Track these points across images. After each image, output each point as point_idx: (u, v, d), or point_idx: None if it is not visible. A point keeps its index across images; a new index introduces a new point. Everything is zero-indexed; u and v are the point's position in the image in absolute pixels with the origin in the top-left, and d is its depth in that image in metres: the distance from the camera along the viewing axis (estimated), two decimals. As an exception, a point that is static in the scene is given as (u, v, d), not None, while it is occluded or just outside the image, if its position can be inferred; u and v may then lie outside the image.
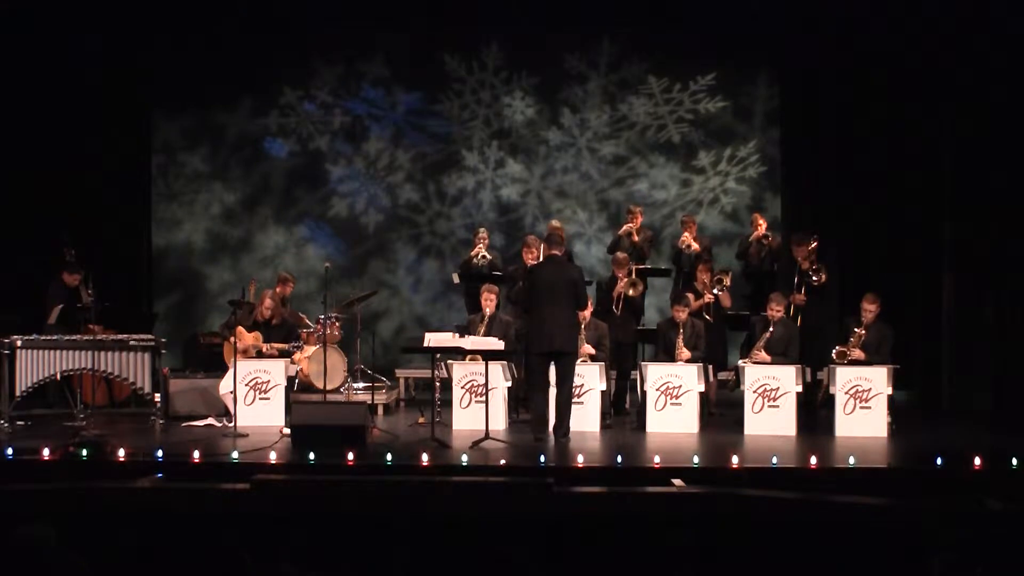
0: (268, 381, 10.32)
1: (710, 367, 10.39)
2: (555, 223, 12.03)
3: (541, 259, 10.38)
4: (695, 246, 11.84)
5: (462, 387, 10.12)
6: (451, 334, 9.77)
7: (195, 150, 14.12)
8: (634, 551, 6.54)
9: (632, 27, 13.59)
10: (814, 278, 10.83)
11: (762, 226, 11.94)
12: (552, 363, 9.51)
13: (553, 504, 6.95)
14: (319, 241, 14.13)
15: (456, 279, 12.29)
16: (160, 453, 8.46)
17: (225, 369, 10.44)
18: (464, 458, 8.47)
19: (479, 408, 9.70)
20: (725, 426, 10.32)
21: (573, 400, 9.73)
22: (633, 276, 11.09)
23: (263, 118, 14.09)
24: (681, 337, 10.31)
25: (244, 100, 14.08)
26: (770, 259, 11.81)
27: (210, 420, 10.39)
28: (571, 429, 9.79)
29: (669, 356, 10.34)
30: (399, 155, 14.09)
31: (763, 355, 10.19)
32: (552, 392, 9.56)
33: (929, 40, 11.95)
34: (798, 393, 9.96)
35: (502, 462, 8.42)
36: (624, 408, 11.14)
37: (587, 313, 10.49)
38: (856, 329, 10.11)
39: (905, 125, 12.42)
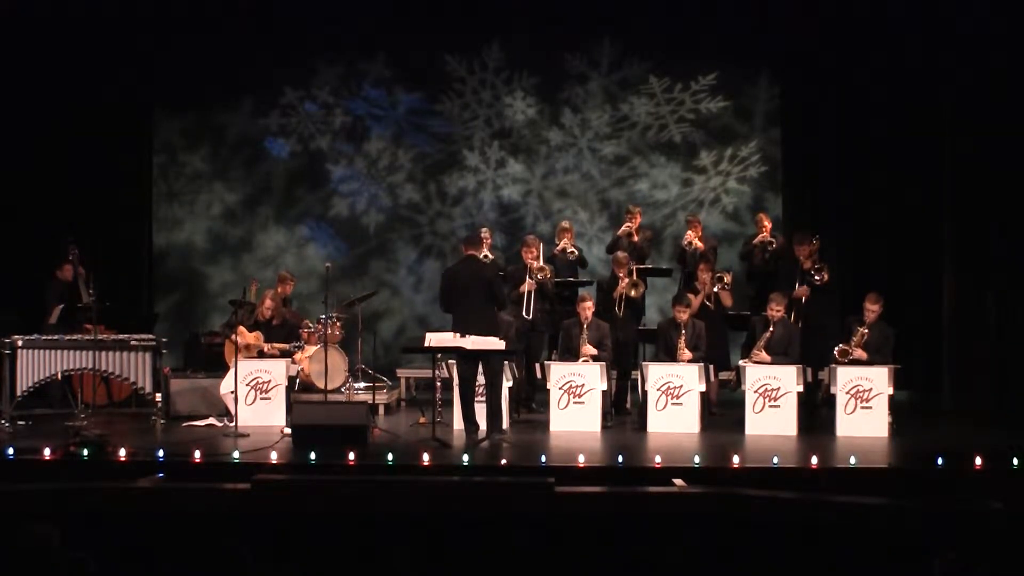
0: (269, 381, 10.32)
1: (711, 367, 10.39)
2: (565, 224, 12.00)
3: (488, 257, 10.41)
4: (698, 244, 11.81)
5: (463, 387, 10.13)
6: (452, 334, 9.76)
7: (196, 150, 14.13)
8: (635, 551, 6.55)
9: (633, 27, 13.59)
10: (816, 277, 10.83)
11: (767, 227, 11.91)
12: (479, 364, 9.53)
13: (554, 504, 6.95)
14: (320, 241, 14.14)
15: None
16: (161, 453, 8.46)
17: (226, 369, 10.44)
18: (465, 458, 8.48)
19: (480, 408, 9.69)
20: (726, 426, 10.31)
21: (575, 400, 9.80)
22: (634, 276, 11.09)
23: (264, 118, 14.09)
24: (683, 338, 10.30)
25: (245, 100, 14.08)
26: (773, 260, 11.79)
27: (211, 420, 10.40)
28: (571, 428, 9.92)
29: (670, 356, 10.33)
30: (400, 155, 14.10)
31: (764, 355, 10.19)
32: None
33: (929, 39, 11.95)
34: (799, 393, 9.96)
35: (503, 462, 8.43)
36: (625, 408, 11.14)
37: (589, 313, 10.50)
38: (859, 328, 10.11)
39: (905, 125, 12.43)
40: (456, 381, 10.10)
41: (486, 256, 11.29)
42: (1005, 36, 11.32)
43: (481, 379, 9.64)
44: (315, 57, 14.00)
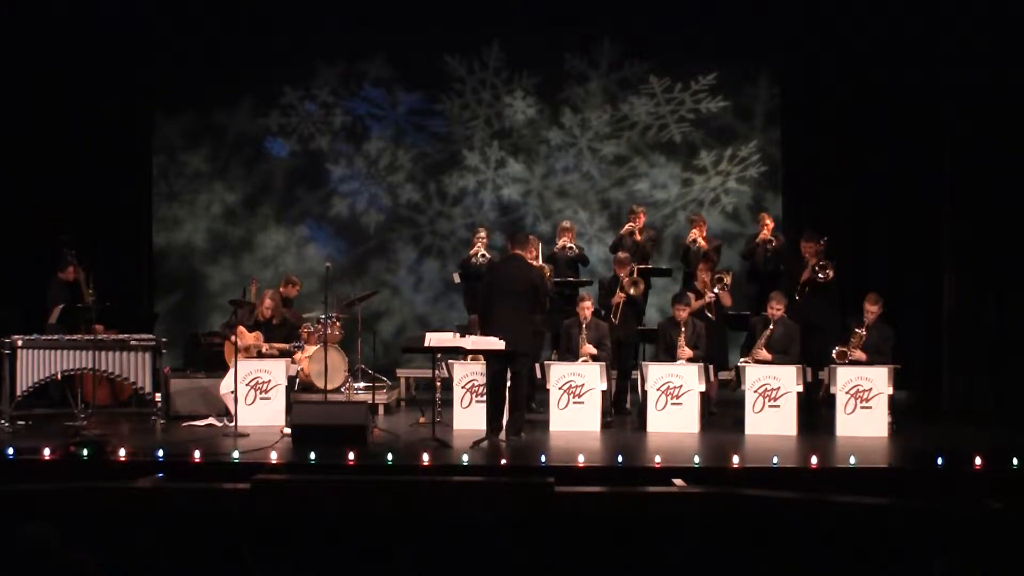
0: (269, 381, 10.32)
1: (711, 367, 10.38)
2: (566, 223, 12.00)
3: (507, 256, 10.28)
4: (702, 243, 11.81)
5: (463, 387, 10.13)
6: (452, 334, 9.76)
7: (196, 150, 14.13)
8: (635, 551, 6.54)
9: (633, 27, 13.59)
10: (820, 275, 10.82)
11: (769, 226, 11.89)
12: (508, 363, 9.50)
13: (554, 504, 6.94)
14: (320, 241, 14.14)
15: (457, 279, 12.30)
16: (161, 453, 8.47)
17: (226, 369, 10.44)
18: (465, 458, 8.48)
19: (480, 408, 9.72)
20: (726, 426, 10.32)
21: (575, 400, 9.83)
22: (635, 275, 11.10)
23: (264, 118, 14.10)
24: (683, 336, 10.31)
25: (244, 100, 14.09)
26: (775, 260, 11.79)
27: (211, 420, 10.40)
28: (571, 428, 9.90)
29: (670, 355, 10.34)
30: (400, 155, 14.10)
31: (764, 354, 10.19)
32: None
33: (929, 40, 11.95)
34: (799, 393, 9.96)
35: (503, 462, 8.43)
36: (625, 408, 11.14)
37: (588, 313, 10.50)
38: (857, 330, 10.10)
39: (905, 125, 12.43)
40: (455, 381, 10.13)
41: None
42: (1005, 36, 11.32)
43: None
44: (315, 57, 14.00)
